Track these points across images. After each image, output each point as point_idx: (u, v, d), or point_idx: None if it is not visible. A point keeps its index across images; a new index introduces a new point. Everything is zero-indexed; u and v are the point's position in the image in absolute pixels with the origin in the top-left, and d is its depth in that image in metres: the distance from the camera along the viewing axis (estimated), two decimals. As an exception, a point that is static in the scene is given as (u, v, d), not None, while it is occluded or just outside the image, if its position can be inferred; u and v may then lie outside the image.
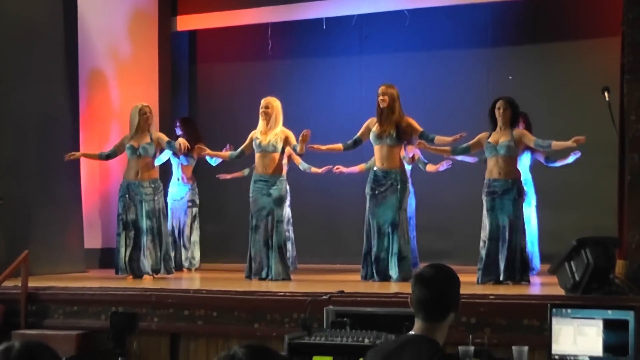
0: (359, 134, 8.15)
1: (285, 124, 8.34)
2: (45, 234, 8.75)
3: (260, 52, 10.93)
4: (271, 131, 8.19)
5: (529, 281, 7.52)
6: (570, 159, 8.29)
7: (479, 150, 7.89)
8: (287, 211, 8.74)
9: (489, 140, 7.67)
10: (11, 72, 8.56)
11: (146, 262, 8.40)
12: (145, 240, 8.39)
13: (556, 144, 7.57)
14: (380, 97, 7.99)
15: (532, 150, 8.34)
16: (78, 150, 9.16)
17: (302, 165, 8.96)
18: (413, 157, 8.76)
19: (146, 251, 8.40)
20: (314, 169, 8.95)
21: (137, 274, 8.38)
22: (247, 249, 8.23)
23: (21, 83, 8.66)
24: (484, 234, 7.61)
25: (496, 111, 7.67)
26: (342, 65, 10.70)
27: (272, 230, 8.07)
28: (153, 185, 8.51)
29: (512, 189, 7.57)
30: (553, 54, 9.80)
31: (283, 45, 10.89)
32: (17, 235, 8.38)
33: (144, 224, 8.40)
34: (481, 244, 7.64)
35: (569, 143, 7.46)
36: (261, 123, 8.27)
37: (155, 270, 8.46)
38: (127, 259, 8.37)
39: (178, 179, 9.76)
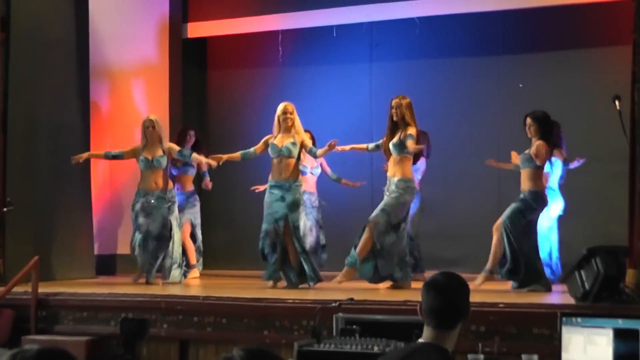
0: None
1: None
2: (56, 240, 8.78)
3: (270, 59, 10.95)
4: (288, 136, 8.15)
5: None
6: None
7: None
8: (313, 215, 9.08)
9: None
10: (23, 79, 8.59)
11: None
12: (161, 247, 8.50)
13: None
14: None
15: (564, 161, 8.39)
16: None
17: (331, 174, 9.29)
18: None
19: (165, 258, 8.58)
20: (344, 181, 9.27)
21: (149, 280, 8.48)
22: (257, 255, 8.21)
23: (33, 89, 8.69)
24: None
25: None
26: (352, 73, 10.70)
27: (289, 235, 8.02)
28: (167, 195, 8.63)
29: (518, 199, 7.61)
30: (564, 62, 9.78)
31: (293, 52, 10.90)
32: (28, 241, 8.41)
33: (159, 232, 8.45)
34: None
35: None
36: (277, 128, 8.16)
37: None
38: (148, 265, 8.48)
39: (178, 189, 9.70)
